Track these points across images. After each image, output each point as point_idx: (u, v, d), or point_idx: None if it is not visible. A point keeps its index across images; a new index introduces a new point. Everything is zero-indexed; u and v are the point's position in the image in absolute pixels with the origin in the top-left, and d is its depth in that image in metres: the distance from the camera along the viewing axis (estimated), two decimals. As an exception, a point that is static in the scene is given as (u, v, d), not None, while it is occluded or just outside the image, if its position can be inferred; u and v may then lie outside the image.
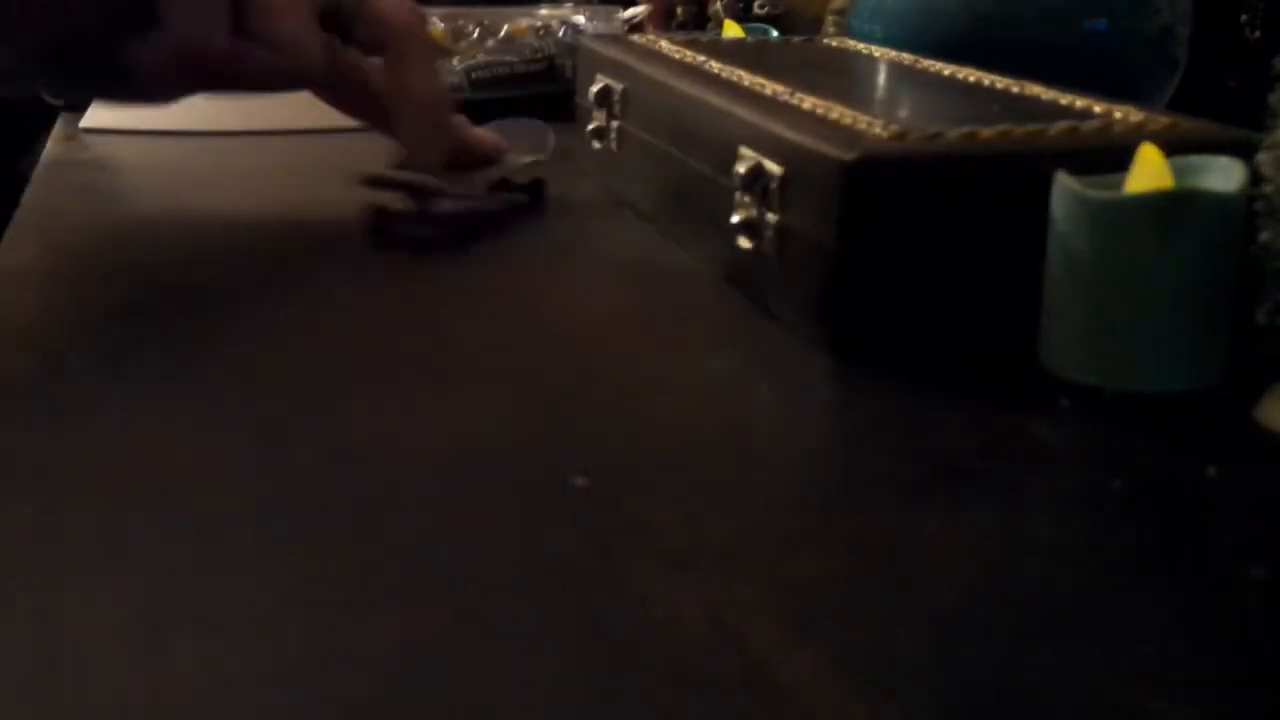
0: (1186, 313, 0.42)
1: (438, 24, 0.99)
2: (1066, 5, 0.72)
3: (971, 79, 0.60)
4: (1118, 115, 0.51)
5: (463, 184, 0.62)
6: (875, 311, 0.46)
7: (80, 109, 0.84)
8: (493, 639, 0.30)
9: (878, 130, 0.47)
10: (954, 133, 0.47)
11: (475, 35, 1.00)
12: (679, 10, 1.15)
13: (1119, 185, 0.43)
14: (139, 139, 0.80)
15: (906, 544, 0.34)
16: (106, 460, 0.39)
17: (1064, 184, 0.43)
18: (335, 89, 0.64)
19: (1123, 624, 0.30)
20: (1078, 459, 0.39)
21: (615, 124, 0.68)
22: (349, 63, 0.62)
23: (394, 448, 0.40)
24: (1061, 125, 0.48)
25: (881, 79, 0.65)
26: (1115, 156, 0.44)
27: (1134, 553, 0.34)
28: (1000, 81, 0.59)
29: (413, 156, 0.60)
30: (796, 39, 0.81)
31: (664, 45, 0.70)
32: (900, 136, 0.46)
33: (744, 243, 0.51)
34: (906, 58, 0.67)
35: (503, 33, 1.01)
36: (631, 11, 1.12)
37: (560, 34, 0.99)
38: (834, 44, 0.75)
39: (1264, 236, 0.42)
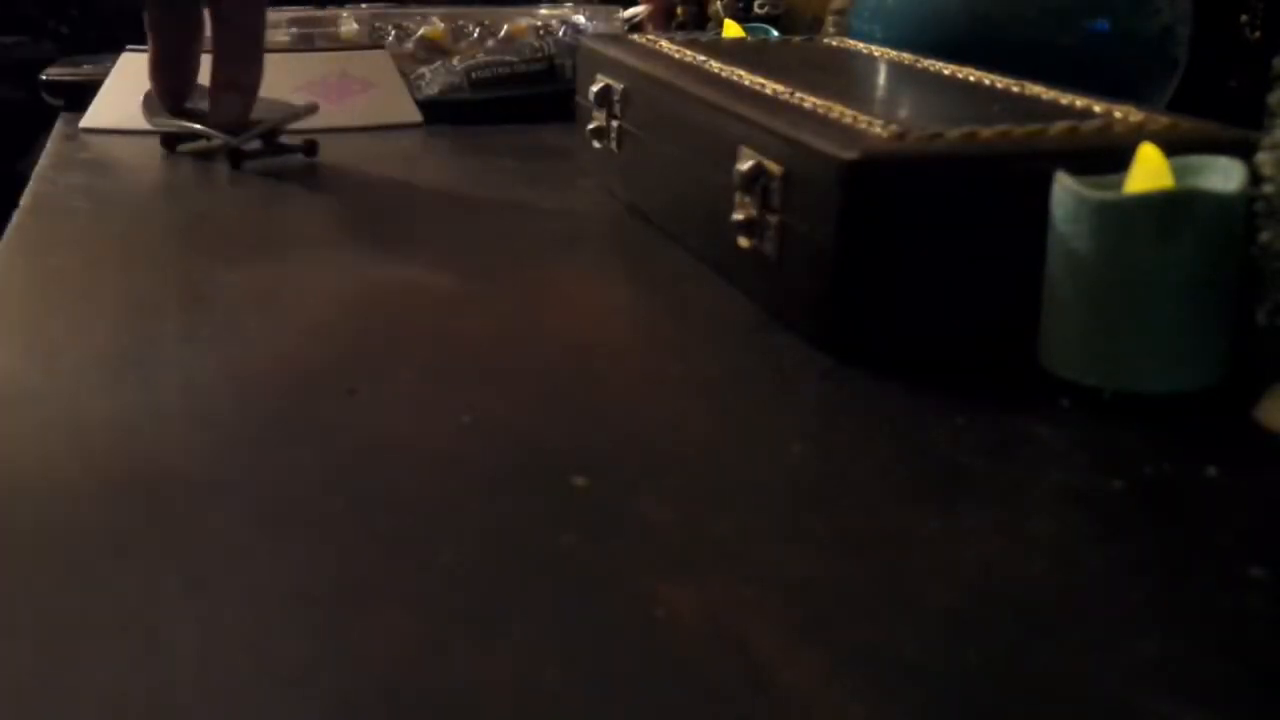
0: (1186, 313, 0.42)
1: (438, 24, 0.99)
2: (1066, 5, 0.72)
3: (971, 79, 0.60)
4: (1118, 115, 0.51)
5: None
6: (875, 311, 0.46)
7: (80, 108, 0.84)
8: (493, 639, 0.30)
9: (878, 130, 0.47)
10: (954, 133, 0.47)
11: (475, 35, 1.00)
12: (679, 10, 1.15)
13: (1119, 185, 0.43)
14: (139, 139, 0.80)
15: (906, 544, 0.34)
16: (106, 459, 0.39)
17: (1064, 184, 0.43)
18: None
19: (1123, 624, 0.30)
20: (1078, 459, 0.39)
21: (615, 124, 0.68)
22: None
23: (394, 447, 0.40)
24: (1061, 125, 0.48)
25: (881, 79, 0.65)
26: (1115, 156, 0.44)
27: (1134, 553, 0.34)
28: (1000, 81, 0.59)
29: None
30: (796, 39, 0.81)
31: (664, 45, 0.70)
32: (900, 136, 0.46)
33: (744, 243, 0.51)
34: (906, 58, 0.67)
35: (503, 33, 1.01)
36: (631, 11, 1.12)
37: (560, 34, 0.99)
38: (834, 44, 0.75)
39: (1264, 236, 0.42)
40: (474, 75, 0.90)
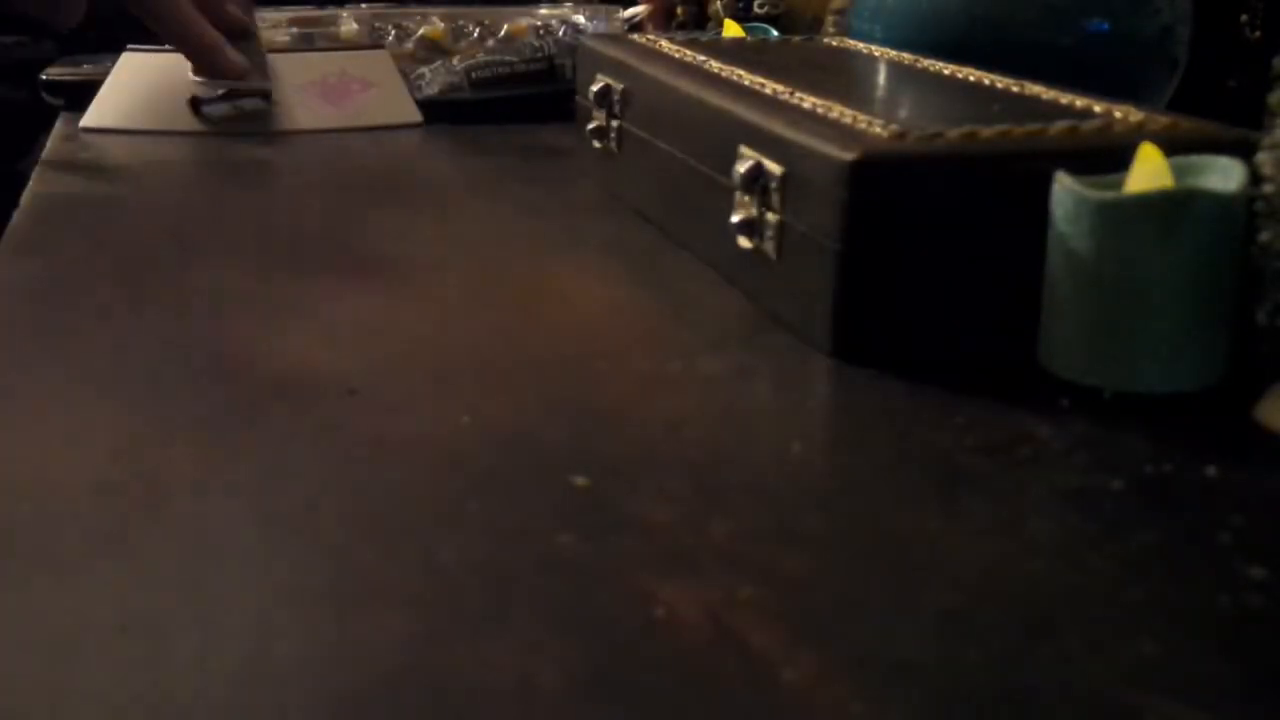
0: (1186, 313, 0.42)
1: (438, 24, 0.99)
2: (1066, 5, 0.72)
3: (971, 79, 0.60)
4: (1118, 115, 0.51)
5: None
6: (875, 311, 0.46)
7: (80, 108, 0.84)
8: (492, 639, 0.30)
9: (878, 130, 0.47)
10: (954, 133, 0.47)
11: (475, 35, 1.00)
12: (679, 10, 1.15)
13: (1119, 185, 0.43)
14: (139, 139, 0.80)
15: (906, 544, 0.34)
16: (106, 460, 0.39)
17: (1064, 184, 0.43)
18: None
19: (1123, 624, 0.30)
20: (1078, 459, 0.39)
21: (615, 124, 0.68)
22: None
23: (394, 447, 0.40)
24: (1061, 125, 0.48)
25: (881, 79, 0.65)
26: (1115, 156, 0.44)
27: (1134, 553, 0.34)
28: (1000, 81, 0.59)
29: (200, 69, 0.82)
30: (796, 39, 0.81)
31: (664, 45, 0.70)
32: (900, 136, 0.46)
33: (744, 243, 0.51)
34: (906, 58, 0.67)
35: (503, 33, 1.01)
36: (631, 11, 1.12)
37: (560, 34, 0.99)
38: (834, 44, 0.75)
39: (1264, 236, 0.42)
40: (474, 75, 0.90)
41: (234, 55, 0.82)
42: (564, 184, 0.73)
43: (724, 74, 0.60)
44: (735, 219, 0.51)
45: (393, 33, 1.00)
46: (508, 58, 0.91)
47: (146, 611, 0.31)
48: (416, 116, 0.88)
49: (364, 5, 1.04)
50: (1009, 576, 0.33)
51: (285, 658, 0.29)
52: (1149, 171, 0.43)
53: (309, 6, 1.03)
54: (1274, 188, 0.42)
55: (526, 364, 0.47)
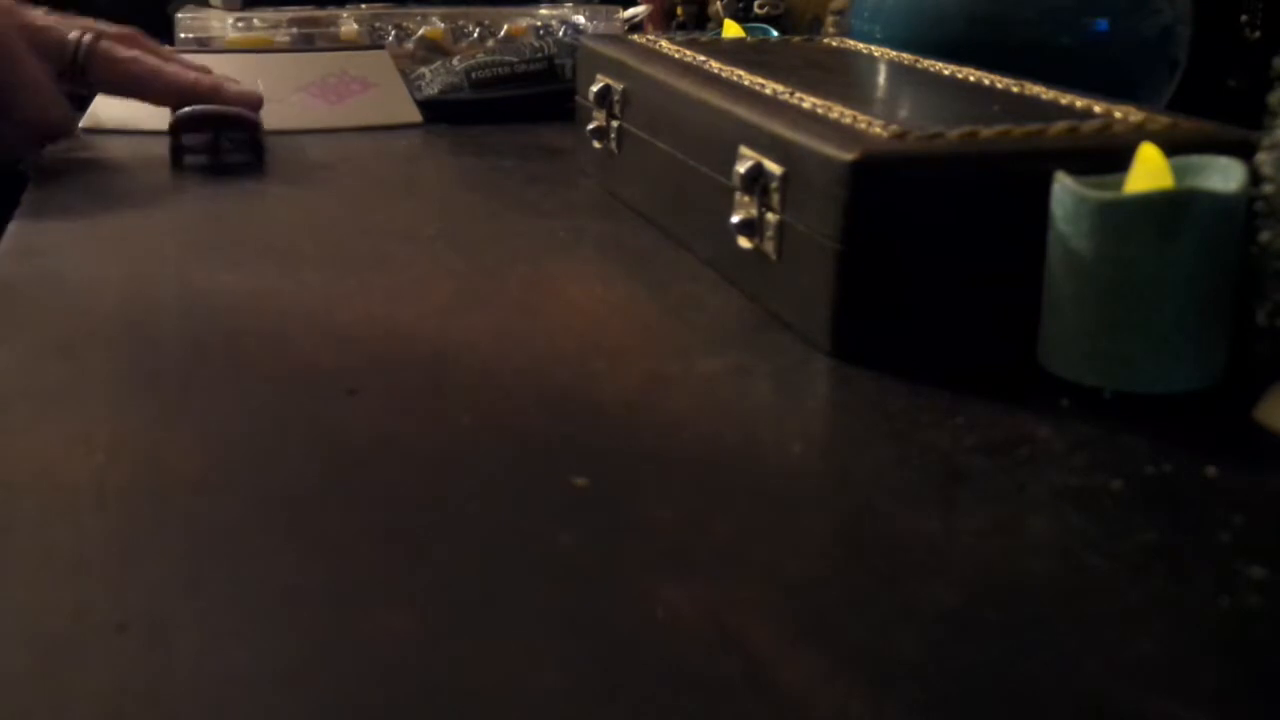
0: (1186, 313, 0.42)
1: (438, 24, 0.99)
2: (1066, 5, 0.72)
3: (971, 79, 0.60)
4: (1118, 115, 0.51)
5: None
6: (875, 311, 0.46)
7: (80, 108, 0.84)
8: (493, 639, 0.30)
9: (878, 130, 0.47)
10: (954, 133, 0.47)
11: (475, 35, 1.00)
12: (679, 10, 1.15)
13: (1119, 185, 0.43)
14: (139, 139, 0.80)
15: (906, 544, 0.34)
16: (106, 460, 0.39)
17: (1064, 184, 0.43)
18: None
19: (1123, 624, 0.30)
20: (1078, 459, 0.39)
21: (615, 124, 0.68)
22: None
23: (394, 447, 0.40)
24: (1061, 125, 0.48)
25: (881, 79, 0.65)
26: (1115, 156, 0.44)
27: (1134, 553, 0.34)
28: (1000, 81, 0.59)
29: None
30: (796, 39, 0.81)
31: (664, 45, 0.70)
32: (900, 136, 0.46)
33: (744, 243, 0.51)
34: (906, 58, 0.67)
35: (503, 33, 1.01)
36: (631, 11, 1.12)
37: (560, 34, 0.99)
38: (834, 44, 0.75)
39: (1264, 236, 0.42)
40: (474, 75, 0.90)
41: (238, 86, 0.79)
42: (564, 184, 0.73)
43: (724, 74, 0.60)
44: (735, 219, 0.51)
45: (393, 33, 1.00)
46: (508, 58, 0.91)
47: (145, 610, 0.31)
48: (416, 116, 0.88)
49: (364, 5, 1.04)
50: (1009, 576, 0.33)
51: (284, 658, 0.29)
52: (1149, 171, 0.43)
53: (309, 6, 1.03)
54: (1274, 188, 0.42)
55: (526, 364, 0.47)
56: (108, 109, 0.84)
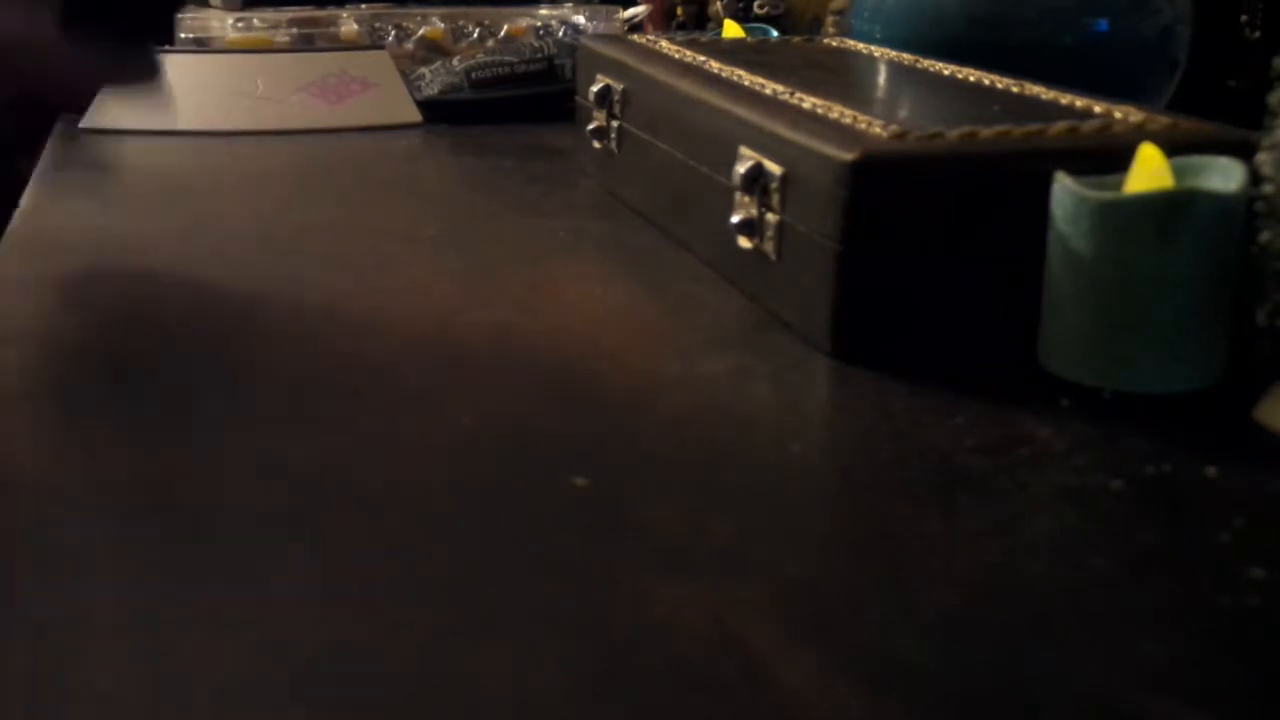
0: (1186, 313, 0.42)
1: (438, 24, 0.99)
2: (1066, 5, 0.72)
3: (971, 79, 0.60)
4: (1118, 115, 0.51)
5: None
6: (875, 311, 0.46)
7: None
8: (493, 639, 0.30)
9: (878, 130, 0.47)
10: (954, 133, 0.47)
11: (475, 35, 1.00)
12: (679, 10, 1.15)
13: (1119, 185, 0.43)
14: (139, 139, 0.80)
15: (906, 544, 0.34)
16: (106, 460, 0.39)
17: (1064, 184, 0.43)
18: None
19: (1123, 624, 0.30)
20: (1078, 459, 0.39)
21: (615, 124, 0.68)
22: None
23: (395, 447, 0.40)
24: (1061, 125, 0.48)
25: (881, 79, 0.65)
26: (1115, 156, 0.44)
27: (1134, 553, 0.34)
28: (1000, 81, 0.59)
29: None
30: (796, 39, 0.81)
31: (664, 45, 0.70)
32: (900, 136, 0.46)
33: (744, 243, 0.51)
34: (906, 58, 0.67)
35: (503, 33, 1.01)
36: (631, 11, 1.12)
37: (560, 34, 0.99)
38: (834, 44, 0.75)
39: (1264, 236, 0.42)
40: (474, 75, 0.90)
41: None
42: (564, 184, 0.73)
43: (724, 74, 0.60)
44: (735, 219, 0.51)
45: (393, 33, 1.00)
46: (508, 58, 0.91)
47: (144, 608, 0.31)
48: (416, 116, 0.88)
49: (364, 5, 1.04)
50: (1009, 576, 0.33)
51: (282, 658, 0.29)
52: (1149, 172, 0.43)
53: (309, 6, 1.03)
54: (1274, 188, 0.42)
55: (526, 364, 0.47)
56: (108, 109, 0.84)
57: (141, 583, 0.32)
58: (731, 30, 0.82)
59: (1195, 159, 0.44)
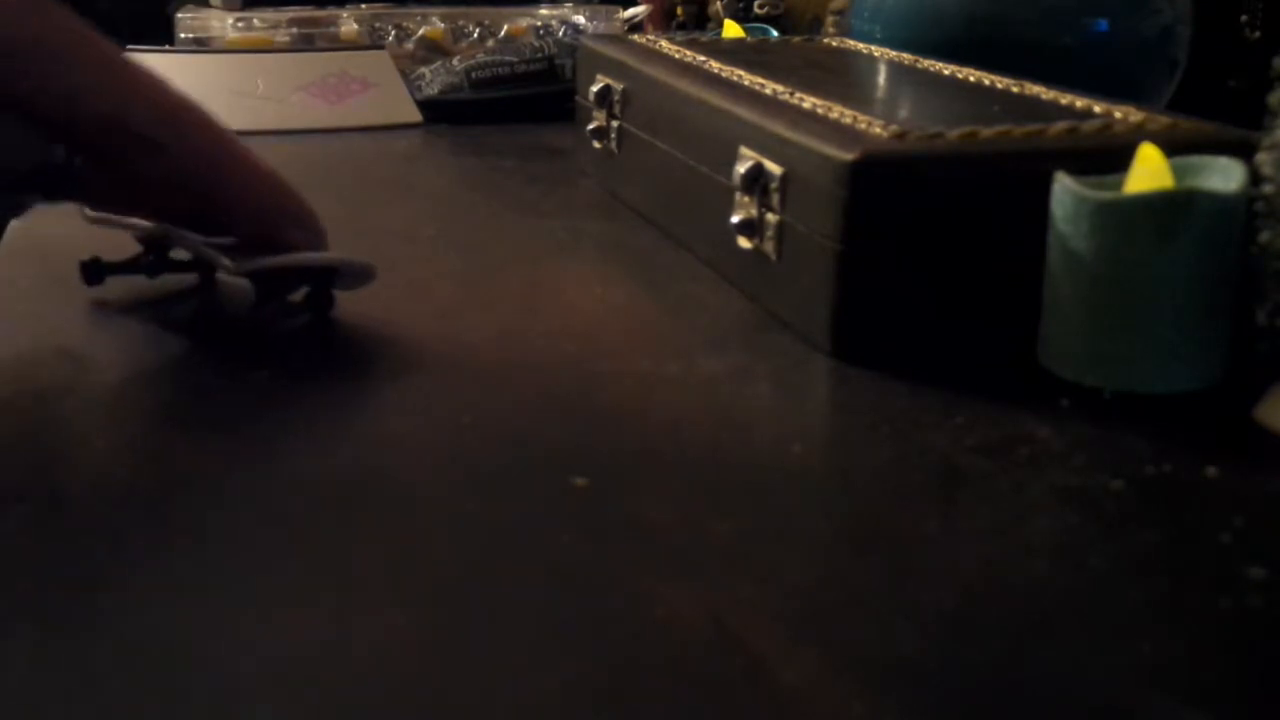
0: (1186, 313, 0.42)
1: (438, 24, 0.99)
2: (1066, 5, 0.72)
3: (971, 79, 0.60)
4: (1118, 115, 0.51)
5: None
6: (875, 311, 0.46)
7: None
8: (493, 639, 0.29)
9: (878, 130, 0.47)
10: (954, 133, 0.47)
11: (475, 35, 1.00)
12: (679, 10, 1.15)
13: (1119, 185, 0.43)
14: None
15: (906, 544, 0.34)
16: (107, 460, 0.39)
17: (1064, 184, 0.43)
18: None
19: (1123, 624, 0.30)
20: (1078, 459, 0.39)
21: (615, 124, 0.68)
22: None
23: (394, 447, 0.40)
24: (1061, 125, 0.48)
25: (881, 79, 0.65)
26: (1115, 156, 0.44)
27: (1134, 553, 0.34)
28: (1000, 81, 0.59)
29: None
30: (796, 39, 0.81)
31: (664, 45, 0.70)
32: (900, 136, 0.46)
33: (744, 243, 0.51)
34: (906, 58, 0.67)
35: (503, 33, 1.01)
36: (631, 11, 1.12)
37: (560, 34, 0.99)
38: (834, 44, 0.75)
39: (1264, 236, 0.42)
40: (474, 75, 0.90)
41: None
42: (564, 184, 0.73)
43: (724, 74, 0.60)
44: (735, 219, 0.51)
45: (393, 33, 1.00)
46: (508, 58, 0.91)
47: (142, 608, 0.31)
48: (416, 116, 0.88)
49: (364, 5, 1.04)
50: (1009, 576, 0.33)
51: (280, 659, 0.29)
52: (1149, 171, 0.43)
53: (309, 6, 1.03)
54: (1274, 188, 0.42)
55: (526, 364, 0.47)
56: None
57: (134, 575, 0.32)
58: (731, 30, 0.82)
59: (1195, 159, 0.44)
